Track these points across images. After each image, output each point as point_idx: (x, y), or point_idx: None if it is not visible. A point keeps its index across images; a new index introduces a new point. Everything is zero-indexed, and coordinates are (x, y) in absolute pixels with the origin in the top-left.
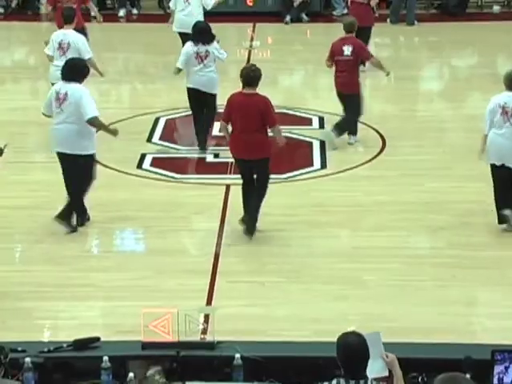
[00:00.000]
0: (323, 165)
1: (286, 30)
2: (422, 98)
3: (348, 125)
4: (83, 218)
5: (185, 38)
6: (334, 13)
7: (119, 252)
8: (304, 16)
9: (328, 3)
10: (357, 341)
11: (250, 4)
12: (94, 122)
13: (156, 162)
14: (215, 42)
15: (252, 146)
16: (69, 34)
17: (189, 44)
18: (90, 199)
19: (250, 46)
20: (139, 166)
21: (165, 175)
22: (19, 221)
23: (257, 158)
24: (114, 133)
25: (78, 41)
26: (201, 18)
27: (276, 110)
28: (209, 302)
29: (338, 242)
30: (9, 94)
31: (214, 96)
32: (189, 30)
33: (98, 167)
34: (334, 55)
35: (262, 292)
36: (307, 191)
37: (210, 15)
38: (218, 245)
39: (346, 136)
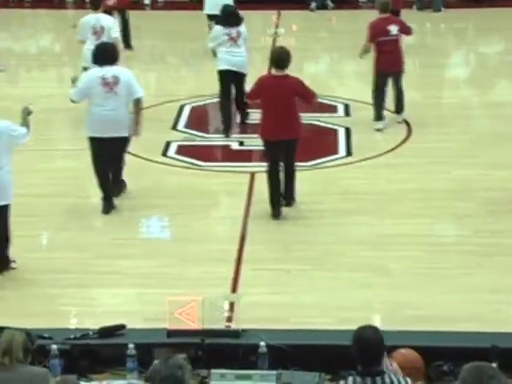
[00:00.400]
0: (348, 152)
1: (312, 16)
2: (448, 85)
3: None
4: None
5: (215, 19)
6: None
7: (144, 239)
8: (329, 3)
9: None
10: (373, 335)
11: None
12: (141, 101)
13: (181, 150)
14: (243, 25)
15: (288, 126)
16: (101, 18)
17: (219, 27)
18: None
19: (275, 33)
20: (164, 153)
21: (190, 163)
22: (43, 208)
23: (292, 138)
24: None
25: (109, 23)
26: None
27: None
28: (234, 290)
29: (363, 229)
30: (35, 82)
31: (245, 76)
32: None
33: None
34: (378, 36)
35: (286, 279)
36: (332, 179)
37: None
38: (244, 232)
39: (372, 122)
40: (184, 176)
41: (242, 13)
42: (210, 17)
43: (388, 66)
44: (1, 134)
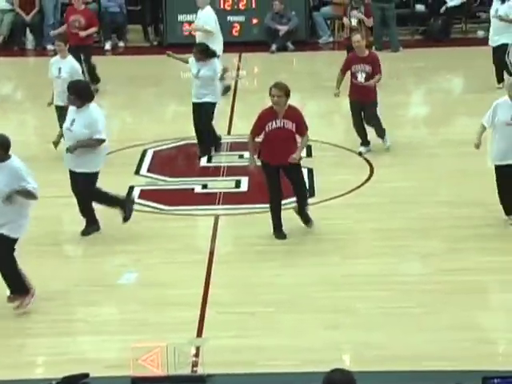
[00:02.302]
0: (311, 193)
1: (272, 59)
2: (409, 124)
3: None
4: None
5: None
6: (320, 41)
7: (107, 285)
8: (290, 45)
9: (313, 31)
10: (343, 377)
11: (236, 34)
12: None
13: (144, 194)
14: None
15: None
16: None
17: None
18: (76, 233)
19: (237, 76)
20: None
21: (153, 207)
22: None
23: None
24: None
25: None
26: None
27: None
28: (199, 334)
29: (327, 270)
30: None
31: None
32: None
33: None
34: (349, 68)
35: (252, 322)
36: (296, 220)
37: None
38: (208, 276)
39: (335, 160)
40: (147, 220)
41: None
42: None
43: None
44: (11, 172)
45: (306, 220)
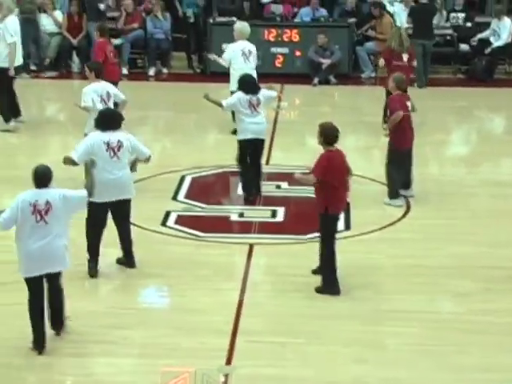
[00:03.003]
0: (347, 226)
1: (314, 91)
2: (449, 163)
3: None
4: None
5: None
6: (362, 75)
7: (140, 309)
8: (332, 78)
9: (356, 66)
10: None
11: (279, 65)
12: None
13: (180, 220)
14: (263, 90)
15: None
16: (106, 85)
17: (240, 93)
18: (112, 255)
19: (278, 107)
20: (164, 223)
21: (188, 233)
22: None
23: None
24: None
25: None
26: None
27: (303, 171)
28: (228, 362)
29: (359, 304)
30: (38, 149)
31: (264, 142)
32: None
33: None
34: (401, 109)
35: (281, 353)
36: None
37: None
38: (239, 304)
39: (373, 194)
40: (182, 246)
41: None
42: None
43: (409, 141)
44: (53, 203)
45: None
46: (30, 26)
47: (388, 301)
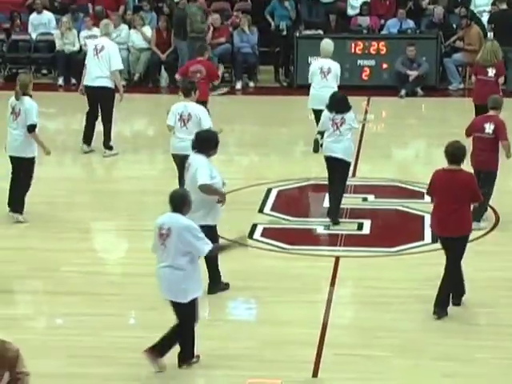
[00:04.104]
0: (434, 239)
1: (401, 103)
2: None
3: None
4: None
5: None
6: (450, 87)
7: (227, 321)
8: (419, 90)
9: (444, 77)
10: None
11: (366, 78)
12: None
13: (267, 233)
14: (351, 112)
15: (449, 222)
16: (189, 106)
17: (326, 113)
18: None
19: (364, 120)
20: (250, 235)
21: (275, 245)
22: (132, 287)
23: (452, 236)
24: (223, 198)
25: (198, 112)
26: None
27: (389, 183)
28: (315, 375)
29: (447, 317)
30: (128, 164)
31: (348, 164)
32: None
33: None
34: (473, 131)
35: (368, 366)
36: (417, 265)
37: None
38: (326, 317)
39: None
40: (269, 259)
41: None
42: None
43: (476, 163)
44: (180, 232)
45: None
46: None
47: (477, 314)
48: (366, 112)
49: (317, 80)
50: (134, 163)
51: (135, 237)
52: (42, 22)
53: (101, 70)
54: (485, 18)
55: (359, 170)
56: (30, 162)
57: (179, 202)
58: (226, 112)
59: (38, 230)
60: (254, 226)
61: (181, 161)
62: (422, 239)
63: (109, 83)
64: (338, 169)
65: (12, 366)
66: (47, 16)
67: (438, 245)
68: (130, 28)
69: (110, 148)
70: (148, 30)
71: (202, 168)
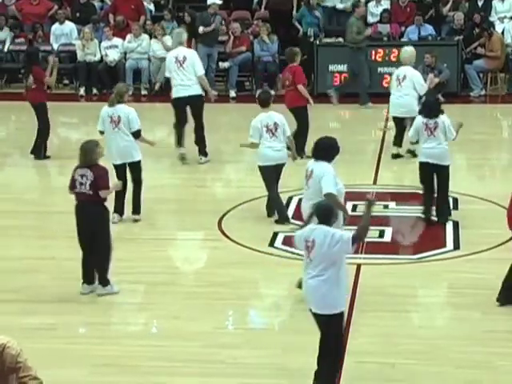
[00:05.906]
0: (456, 246)
1: None
2: None
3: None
4: None
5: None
6: (471, 94)
7: (248, 329)
8: (440, 97)
9: (465, 84)
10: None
11: (386, 85)
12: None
13: (288, 241)
14: (444, 116)
15: None
16: (272, 115)
17: (419, 118)
18: (221, 275)
19: (385, 127)
20: (271, 244)
21: (296, 253)
22: (156, 296)
23: None
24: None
25: (282, 119)
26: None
27: (408, 190)
28: (337, 383)
29: (470, 324)
30: (148, 172)
31: (446, 168)
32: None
33: (231, 244)
34: None
35: (390, 373)
36: (439, 272)
37: (348, 95)
38: (348, 325)
39: (482, 214)
40: (290, 267)
41: (351, 106)
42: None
43: None
44: (330, 243)
45: None
46: None
47: (498, 321)
48: (387, 120)
49: (394, 87)
50: (155, 171)
51: (157, 246)
52: (63, 33)
53: (188, 78)
54: (507, 25)
55: (380, 177)
56: (139, 164)
57: (326, 215)
58: (248, 120)
59: (62, 239)
60: (275, 234)
61: (277, 170)
62: (444, 246)
63: (199, 90)
64: (438, 174)
65: (12, 371)
66: (69, 26)
67: (461, 252)
68: (150, 38)
69: (206, 154)
70: (169, 40)
71: (327, 175)
